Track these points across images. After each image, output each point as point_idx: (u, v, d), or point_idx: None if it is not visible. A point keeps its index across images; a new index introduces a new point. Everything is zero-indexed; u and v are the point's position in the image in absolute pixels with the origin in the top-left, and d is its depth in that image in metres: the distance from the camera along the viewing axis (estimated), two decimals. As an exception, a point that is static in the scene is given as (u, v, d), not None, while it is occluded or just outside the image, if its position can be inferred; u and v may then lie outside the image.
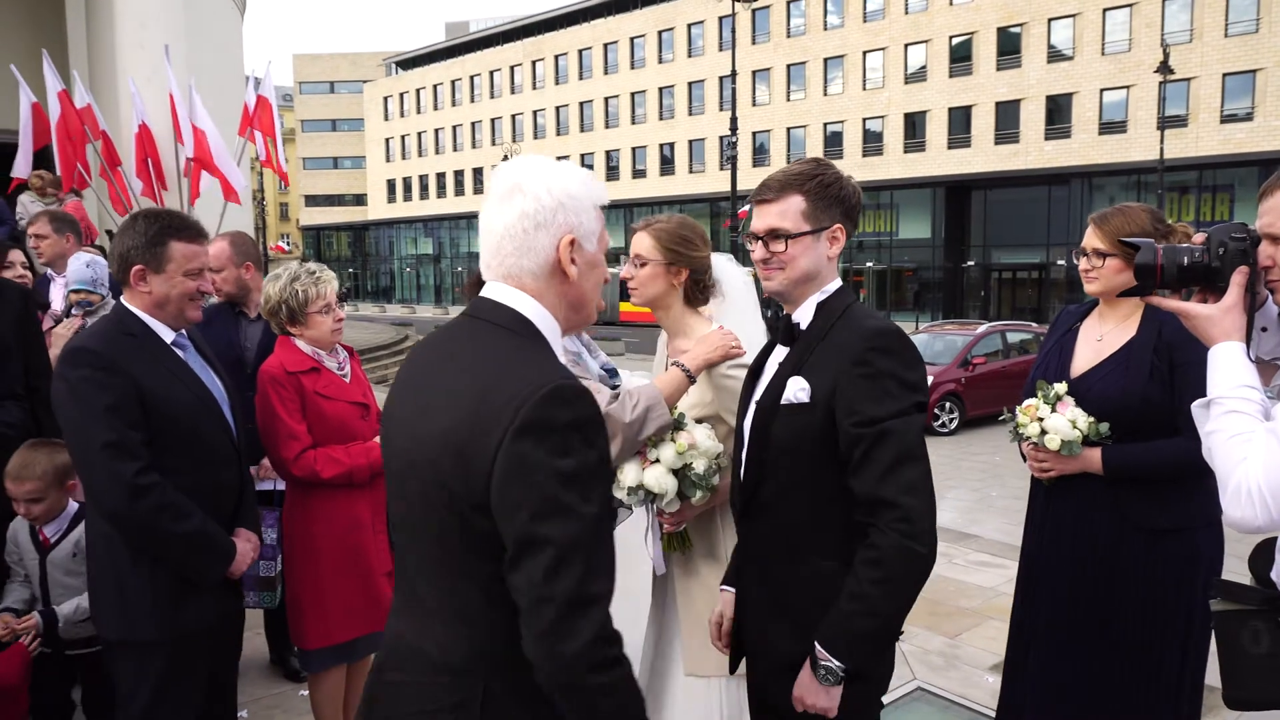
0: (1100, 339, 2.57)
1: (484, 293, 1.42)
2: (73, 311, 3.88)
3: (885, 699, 3.72)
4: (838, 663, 1.72)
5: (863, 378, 1.74)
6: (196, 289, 2.34)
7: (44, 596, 2.83)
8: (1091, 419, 2.45)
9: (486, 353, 1.36)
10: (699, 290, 2.51)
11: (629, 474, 2.24)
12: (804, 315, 1.92)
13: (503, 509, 1.24)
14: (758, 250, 1.92)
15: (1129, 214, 2.50)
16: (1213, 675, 3.90)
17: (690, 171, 47.63)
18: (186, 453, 2.29)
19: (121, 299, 2.36)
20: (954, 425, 12.48)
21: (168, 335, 2.35)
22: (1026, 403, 2.58)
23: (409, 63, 67.10)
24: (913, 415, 1.75)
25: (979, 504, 8.24)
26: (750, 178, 42.81)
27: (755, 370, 2.07)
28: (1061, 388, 2.54)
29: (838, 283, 1.94)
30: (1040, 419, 2.51)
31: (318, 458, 2.79)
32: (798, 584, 1.88)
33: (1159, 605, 2.43)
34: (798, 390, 1.82)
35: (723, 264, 2.59)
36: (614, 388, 2.49)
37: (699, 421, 2.35)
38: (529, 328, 1.39)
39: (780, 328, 2.00)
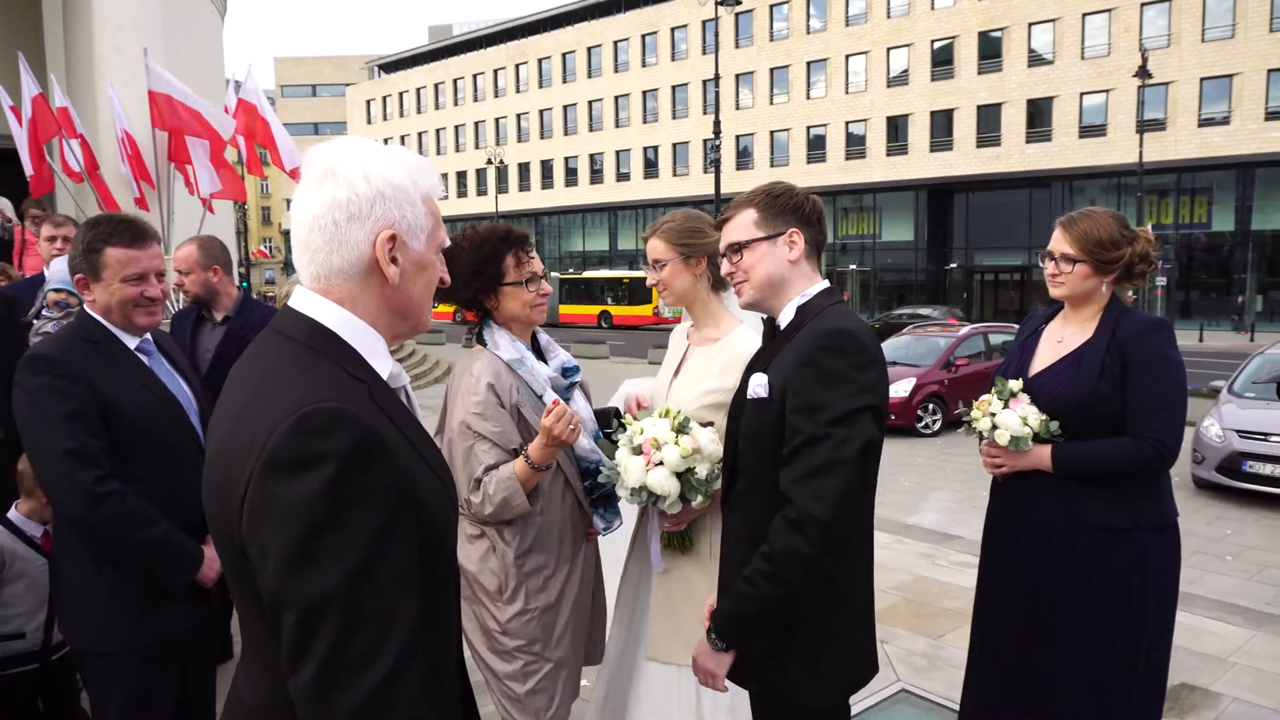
0: (1060, 341, 2.62)
1: (290, 300, 1.25)
2: (44, 313, 3.84)
3: (868, 701, 3.74)
4: (714, 635, 1.86)
5: (812, 377, 1.78)
6: (140, 294, 2.28)
7: (51, 603, 2.76)
8: (1043, 416, 2.49)
9: (259, 371, 1.18)
10: (720, 274, 2.56)
11: (633, 474, 2.26)
12: (785, 317, 1.96)
13: (255, 558, 1.06)
14: (724, 266, 2.03)
15: (1096, 218, 2.53)
16: (1194, 675, 3.93)
17: (674, 175, 47.70)
18: (150, 459, 2.26)
19: (84, 306, 2.35)
20: (937, 426, 12.53)
21: (131, 341, 2.32)
22: (981, 399, 2.62)
23: (392, 66, 66.85)
24: (857, 421, 1.75)
25: (961, 505, 8.27)
26: (734, 181, 42.90)
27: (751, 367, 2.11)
28: (1016, 384, 2.58)
29: (822, 285, 1.96)
30: (992, 414, 2.55)
31: None
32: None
33: (1110, 604, 2.45)
34: (757, 386, 1.89)
35: None
36: (571, 385, 2.53)
37: (706, 425, 2.36)
38: (326, 339, 1.18)
39: (765, 329, 2.06)
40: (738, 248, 1.97)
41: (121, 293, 2.26)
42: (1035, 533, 2.53)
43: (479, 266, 2.37)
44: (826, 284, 1.97)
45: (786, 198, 1.97)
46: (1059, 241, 2.56)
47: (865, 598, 1.97)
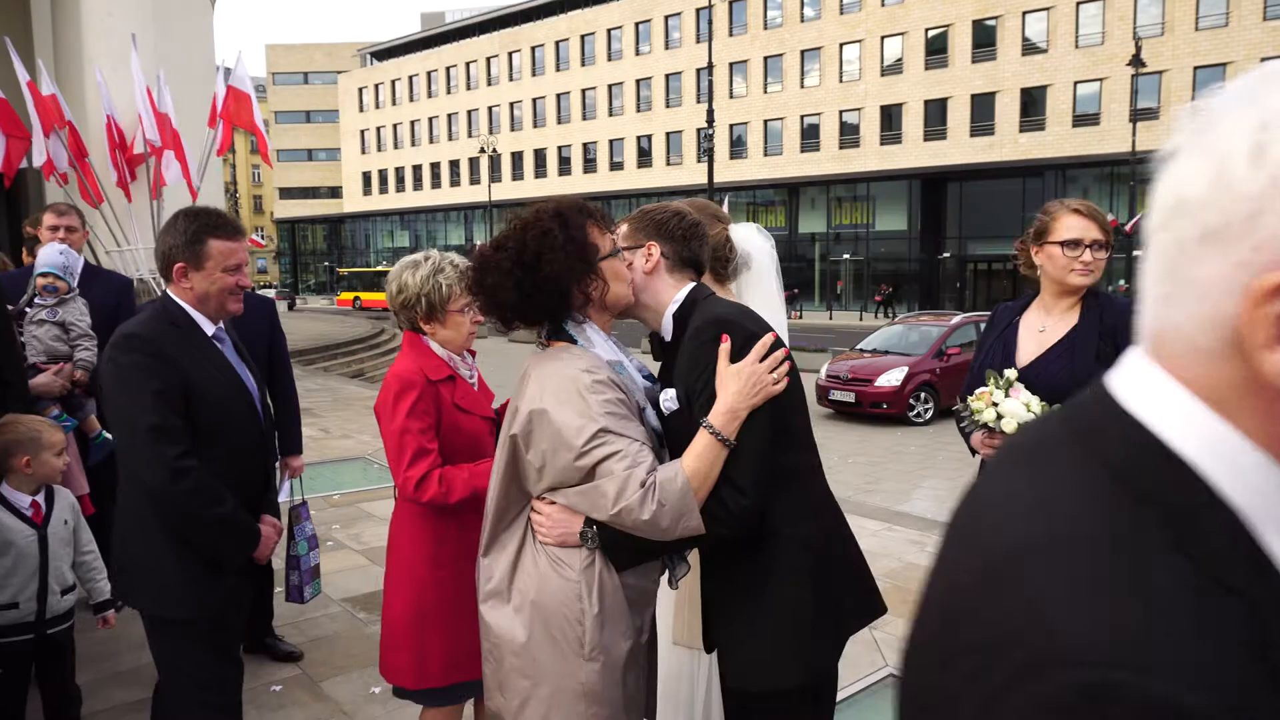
0: (1043, 330, 2.62)
1: (1125, 375, 0.66)
2: (36, 300, 3.82)
3: (856, 686, 3.76)
4: (592, 529, 1.81)
5: (699, 374, 1.84)
6: (235, 284, 2.42)
7: (43, 574, 2.80)
8: (1044, 403, 2.49)
9: (1014, 510, 0.63)
10: (722, 264, 2.46)
11: None
12: (666, 329, 2.02)
13: None
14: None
15: (1091, 205, 2.60)
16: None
17: (668, 164, 47.61)
18: (219, 441, 2.38)
19: (167, 290, 2.44)
20: (929, 415, 12.58)
21: (209, 328, 2.44)
22: (979, 390, 2.60)
23: (384, 53, 66.45)
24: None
25: (953, 493, 8.30)
26: (727, 170, 42.87)
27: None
28: (1012, 374, 2.57)
29: (687, 289, 2.02)
30: (995, 404, 2.54)
31: (445, 477, 2.40)
32: (712, 568, 1.97)
33: None
34: (668, 400, 1.93)
35: (747, 234, 2.58)
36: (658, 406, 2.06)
37: None
38: (1160, 475, 0.58)
39: (651, 345, 2.10)
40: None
41: (222, 281, 2.40)
42: None
43: (578, 250, 1.87)
44: (693, 283, 2.03)
45: (655, 213, 2.06)
46: (1088, 229, 2.52)
47: (828, 576, 1.95)
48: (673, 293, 2.01)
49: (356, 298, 49.49)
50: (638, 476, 1.73)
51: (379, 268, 56.07)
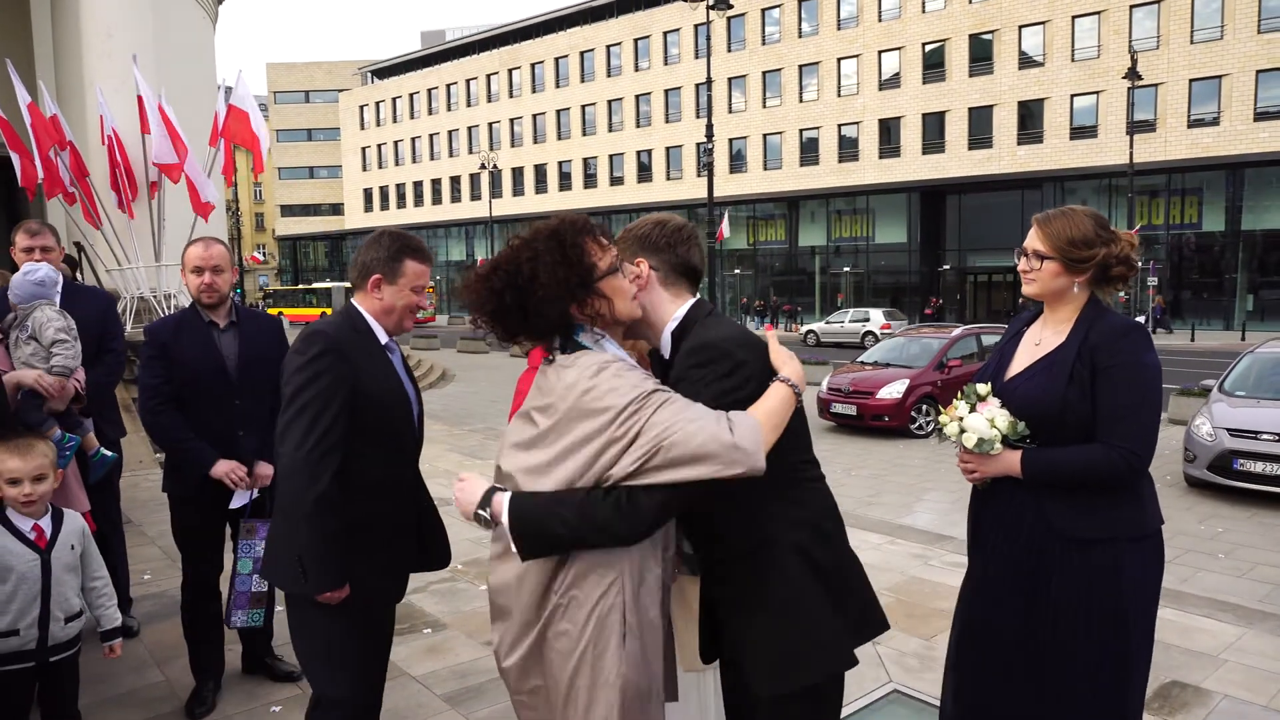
0: (1038, 343, 2.54)
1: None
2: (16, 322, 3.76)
3: (860, 702, 3.74)
4: (508, 515, 1.75)
5: (683, 394, 1.82)
6: (417, 303, 2.66)
7: (45, 600, 2.73)
8: (1011, 419, 2.41)
9: None
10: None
11: None
12: (665, 345, 2.01)
13: None
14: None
15: (1073, 217, 2.45)
16: (1185, 673, 3.94)
17: (667, 179, 47.75)
18: (377, 443, 2.55)
19: (352, 300, 2.65)
20: (931, 428, 12.55)
21: (383, 338, 2.63)
22: (951, 404, 2.56)
23: (385, 71, 66.82)
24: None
25: (955, 506, 8.27)
26: (727, 184, 43.01)
27: None
28: (984, 388, 2.51)
29: (688, 304, 2.02)
30: (960, 418, 2.48)
31: None
32: (713, 580, 1.99)
33: (1082, 617, 2.36)
34: None
35: None
36: None
37: None
38: None
39: (652, 362, 2.10)
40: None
41: (408, 299, 2.62)
42: (1010, 540, 2.47)
43: (573, 271, 1.84)
44: (693, 300, 2.01)
45: (637, 230, 2.05)
46: (1033, 238, 2.51)
47: (825, 583, 1.95)
48: (672, 308, 1.99)
49: (279, 313, 50.50)
50: (702, 408, 1.73)
51: (300, 285, 60.98)
